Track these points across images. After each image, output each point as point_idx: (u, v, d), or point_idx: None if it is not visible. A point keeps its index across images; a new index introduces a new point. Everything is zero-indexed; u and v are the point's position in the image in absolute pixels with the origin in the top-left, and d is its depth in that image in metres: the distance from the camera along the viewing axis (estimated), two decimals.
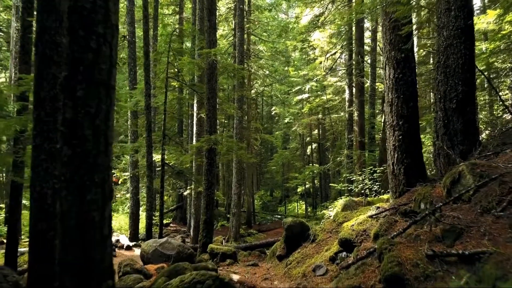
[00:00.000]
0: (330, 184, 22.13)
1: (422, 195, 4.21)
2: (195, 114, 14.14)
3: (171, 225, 21.13)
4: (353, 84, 15.71)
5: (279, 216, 31.28)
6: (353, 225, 4.98)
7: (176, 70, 12.51)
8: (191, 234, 14.35)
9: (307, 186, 29.99)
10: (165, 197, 27.98)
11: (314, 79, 21.16)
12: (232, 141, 9.55)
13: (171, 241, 8.71)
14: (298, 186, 28.50)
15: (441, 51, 7.33)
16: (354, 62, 15.08)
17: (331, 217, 11.92)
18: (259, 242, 10.95)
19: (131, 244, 14.12)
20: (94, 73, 2.69)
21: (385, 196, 11.41)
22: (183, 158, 10.54)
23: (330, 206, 25.68)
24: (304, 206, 30.85)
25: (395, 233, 3.57)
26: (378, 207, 5.08)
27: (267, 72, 26.31)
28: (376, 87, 21.12)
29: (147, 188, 10.84)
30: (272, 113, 37.58)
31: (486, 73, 13.13)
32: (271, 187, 39.22)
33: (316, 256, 5.35)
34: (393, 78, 5.14)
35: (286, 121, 30.26)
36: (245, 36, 22.37)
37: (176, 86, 15.78)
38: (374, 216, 4.81)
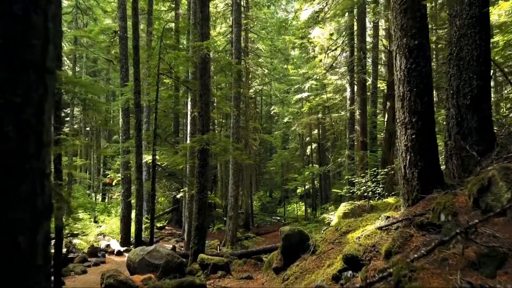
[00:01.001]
0: (333, 190, 21.48)
1: (442, 205, 3.56)
2: (189, 113, 13.49)
3: (166, 227, 20.47)
4: (355, 82, 15.06)
5: (278, 218, 30.67)
6: (359, 238, 4.33)
7: (169, 66, 11.86)
8: (185, 238, 13.70)
9: (306, 187, 29.35)
10: (162, 198, 27.33)
11: (315, 76, 20.50)
12: (227, 141, 8.87)
13: (160, 249, 8.05)
14: (298, 187, 27.88)
15: (454, 42, 6.69)
16: (356, 59, 14.43)
17: (333, 224, 11.26)
18: (255, 249, 10.30)
19: (122, 249, 13.48)
20: (19, 51, 1.98)
21: (390, 200, 10.75)
22: (173, 159, 9.87)
23: (330, 208, 25.07)
24: (303, 208, 30.20)
25: (415, 255, 2.91)
26: (388, 217, 4.43)
27: (266, 71, 25.68)
28: (378, 86, 20.50)
29: (136, 191, 10.18)
30: (271, 113, 36.94)
31: (495, 69, 12.50)
32: (271, 188, 38.60)
33: (317, 271, 4.70)
34: (405, 68, 4.48)
35: (285, 120, 29.62)
36: (243, 33, 21.74)
37: (171, 83, 15.12)
38: (384, 228, 4.16)
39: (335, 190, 21.23)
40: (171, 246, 16.09)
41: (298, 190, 30.88)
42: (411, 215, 3.95)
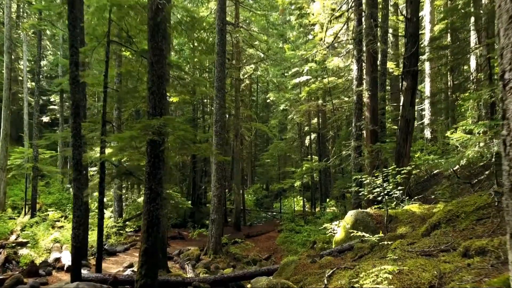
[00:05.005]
0: (334, 187, 18.85)
1: None
2: None
3: None
4: (363, 57, 12.34)
5: (274, 213, 28.22)
6: None
7: (126, 34, 9.15)
8: None
9: (305, 180, 26.73)
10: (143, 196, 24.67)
11: (315, 52, 17.77)
12: (186, 128, 6.19)
13: None
14: (297, 180, 25.20)
15: None
16: (365, 27, 11.67)
17: (338, 238, 8.63)
18: (232, 275, 7.70)
19: None
20: None
21: (413, 208, 8.10)
22: (107, 155, 7.15)
23: (330, 203, 22.43)
24: (301, 202, 27.67)
25: None
26: None
27: (261, 54, 22.89)
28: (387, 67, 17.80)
29: (73, 197, 7.58)
30: (268, 101, 34.26)
31: None
32: (267, 180, 36.10)
33: None
34: None
35: (281, 108, 26.84)
36: (232, 5, 18.95)
37: (128, 54, 12.42)
38: None
39: (337, 187, 18.68)
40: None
41: (296, 184, 28.28)
42: None
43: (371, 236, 6.30)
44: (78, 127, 7.61)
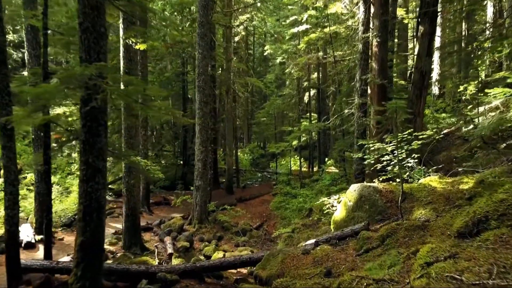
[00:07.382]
0: (334, 148, 17.23)
1: None
2: (121, 42, 8.89)
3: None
4: None
5: (271, 173, 27.01)
6: None
7: None
8: (122, 237, 9.74)
9: (303, 139, 25.17)
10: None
11: None
12: (130, 80, 4.46)
13: None
14: (293, 141, 23.63)
15: None
16: None
17: (337, 217, 7.12)
18: (207, 264, 6.26)
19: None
20: None
21: (432, 181, 6.47)
22: (15, 116, 5.40)
23: (329, 163, 20.95)
24: (298, 162, 26.28)
25: None
26: None
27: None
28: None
29: (4, 170, 6.00)
30: (265, 54, 32.00)
31: None
32: (264, 138, 34.59)
33: None
34: None
35: (278, 61, 24.68)
36: None
37: None
38: None
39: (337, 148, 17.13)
40: (120, 226, 12.17)
41: (293, 142, 26.83)
42: None
43: None
44: (4, 79, 5.86)
